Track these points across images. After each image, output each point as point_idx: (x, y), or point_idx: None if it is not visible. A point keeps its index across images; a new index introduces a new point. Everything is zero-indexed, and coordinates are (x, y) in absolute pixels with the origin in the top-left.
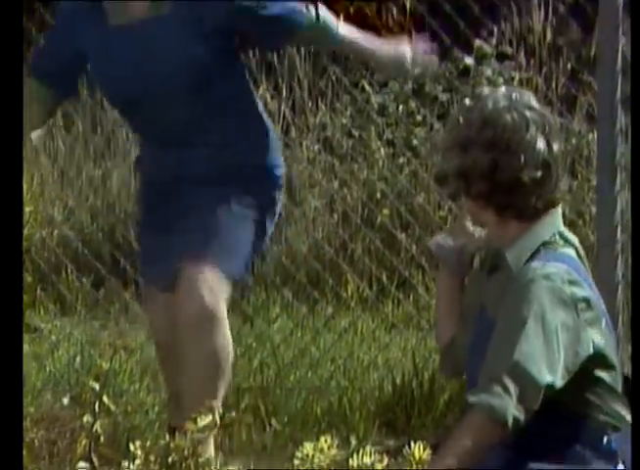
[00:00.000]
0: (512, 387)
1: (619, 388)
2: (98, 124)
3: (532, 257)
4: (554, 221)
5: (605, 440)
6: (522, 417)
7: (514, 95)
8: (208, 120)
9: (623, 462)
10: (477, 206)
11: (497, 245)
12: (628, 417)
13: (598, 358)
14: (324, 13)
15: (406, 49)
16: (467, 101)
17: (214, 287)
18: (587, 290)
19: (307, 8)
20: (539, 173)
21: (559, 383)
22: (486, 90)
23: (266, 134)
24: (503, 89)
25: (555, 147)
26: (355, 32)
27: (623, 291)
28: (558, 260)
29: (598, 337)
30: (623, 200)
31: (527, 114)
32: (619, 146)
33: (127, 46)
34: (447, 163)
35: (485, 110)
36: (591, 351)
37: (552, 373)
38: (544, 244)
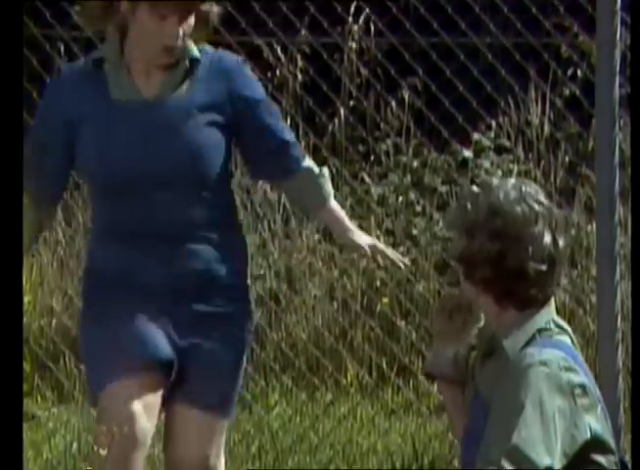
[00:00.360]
0: None
1: None
2: None
3: (528, 343)
4: (549, 310)
5: None
6: None
7: (523, 188)
8: (200, 222)
9: None
10: (477, 290)
11: (493, 329)
12: None
13: (595, 443)
14: (325, 172)
15: (366, 243)
16: (474, 188)
17: (220, 444)
18: (583, 376)
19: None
20: (544, 267)
21: (557, 467)
22: (495, 180)
23: (246, 251)
24: (512, 181)
25: (560, 242)
26: (339, 209)
27: (624, 379)
28: (554, 347)
29: (594, 422)
30: (623, 289)
31: (537, 207)
32: (618, 238)
33: (133, 124)
34: (452, 245)
35: (495, 199)
36: (588, 435)
37: (550, 457)
38: (539, 330)
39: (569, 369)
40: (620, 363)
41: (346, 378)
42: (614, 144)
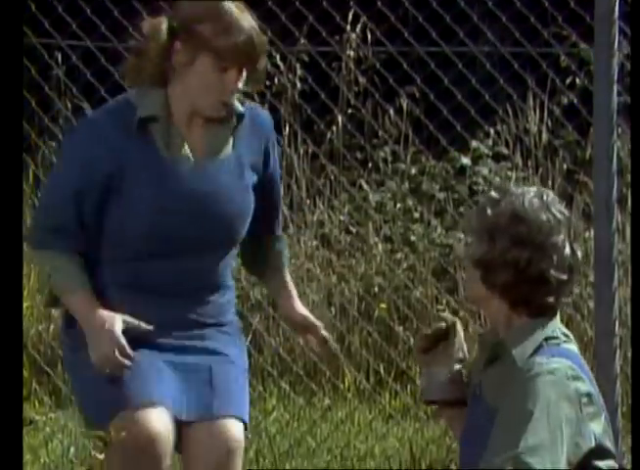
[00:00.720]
0: None
1: None
2: None
3: (536, 350)
4: (556, 318)
5: None
6: None
7: (545, 196)
8: (221, 277)
9: None
10: (491, 294)
11: (499, 334)
12: None
13: (598, 450)
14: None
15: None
16: (494, 193)
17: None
18: (589, 385)
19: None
20: (565, 276)
21: None
22: (514, 187)
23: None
24: (534, 188)
25: (578, 253)
26: (290, 283)
27: (622, 384)
28: (561, 356)
29: (599, 430)
30: (620, 295)
31: (559, 216)
32: (616, 244)
33: (182, 186)
34: (470, 249)
35: (519, 205)
36: (593, 444)
37: (554, 466)
38: (547, 339)
39: (576, 378)
40: (618, 368)
41: (344, 383)
42: (611, 152)
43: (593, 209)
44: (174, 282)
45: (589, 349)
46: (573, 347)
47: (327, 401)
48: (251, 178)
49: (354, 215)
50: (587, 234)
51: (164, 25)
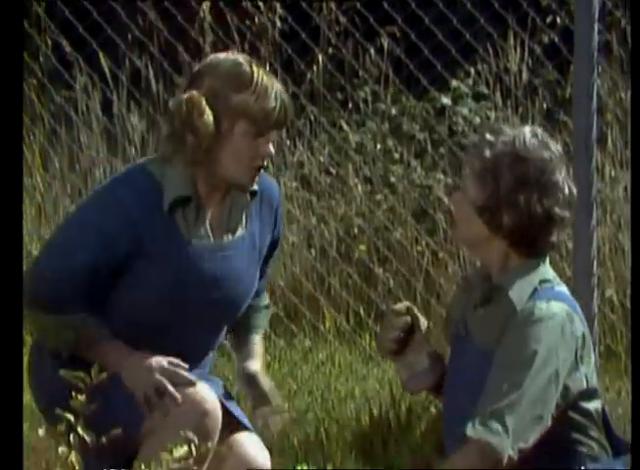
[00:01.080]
0: (511, 425)
1: (600, 418)
2: (75, 162)
3: (532, 293)
4: (546, 260)
5: (582, 469)
6: (516, 456)
7: (540, 134)
8: (219, 338)
9: None
10: (494, 236)
11: (492, 274)
12: (607, 448)
13: (586, 392)
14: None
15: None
16: (487, 135)
17: None
18: (582, 325)
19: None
20: (568, 213)
21: (550, 420)
22: (506, 127)
23: None
24: (528, 128)
25: (574, 191)
26: (259, 355)
27: (600, 323)
28: (558, 299)
29: (590, 371)
30: (599, 235)
31: (557, 153)
32: (595, 183)
33: (202, 266)
34: (471, 193)
35: (520, 145)
36: (584, 386)
37: (548, 413)
38: (541, 282)
39: (572, 321)
40: (596, 308)
41: (324, 325)
42: (591, 90)
43: (572, 148)
44: (175, 352)
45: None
46: (565, 288)
47: (307, 343)
48: (261, 252)
49: (334, 156)
50: None
51: (204, 101)
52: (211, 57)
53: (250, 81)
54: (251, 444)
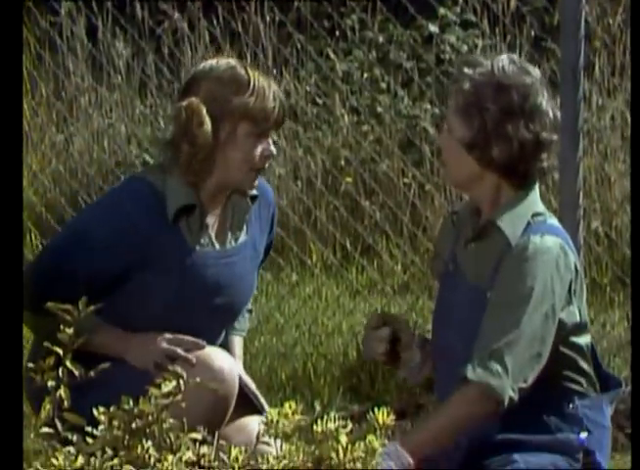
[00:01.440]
0: (511, 366)
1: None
2: (61, 89)
3: (525, 228)
4: (536, 193)
5: (571, 405)
6: (516, 396)
7: (516, 60)
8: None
9: (589, 430)
10: (485, 172)
11: (483, 209)
12: (596, 384)
13: (578, 326)
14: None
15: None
16: (465, 69)
17: None
18: (575, 259)
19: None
20: (555, 136)
21: (546, 357)
22: (479, 57)
23: None
24: (504, 55)
25: (558, 114)
26: (240, 357)
27: (585, 255)
28: (551, 233)
29: (582, 305)
30: (585, 165)
31: (538, 76)
32: (582, 112)
33: (206, 273)
34: (458, 131)
35: (500, 74)
36: (577, 320)
37: (546, 349)
38: (533, 215)
39: (566, 254)
40: (582, 239)
41: (311, 258)
42: (579, 17)
43: (559, 75)
44: None
45: None
46: (556, 221)
47: (294, 277)
48: (260, 255)
49: (321, 86)
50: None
51: (204, 108)
52: (203, 64)
53: (248, 83)
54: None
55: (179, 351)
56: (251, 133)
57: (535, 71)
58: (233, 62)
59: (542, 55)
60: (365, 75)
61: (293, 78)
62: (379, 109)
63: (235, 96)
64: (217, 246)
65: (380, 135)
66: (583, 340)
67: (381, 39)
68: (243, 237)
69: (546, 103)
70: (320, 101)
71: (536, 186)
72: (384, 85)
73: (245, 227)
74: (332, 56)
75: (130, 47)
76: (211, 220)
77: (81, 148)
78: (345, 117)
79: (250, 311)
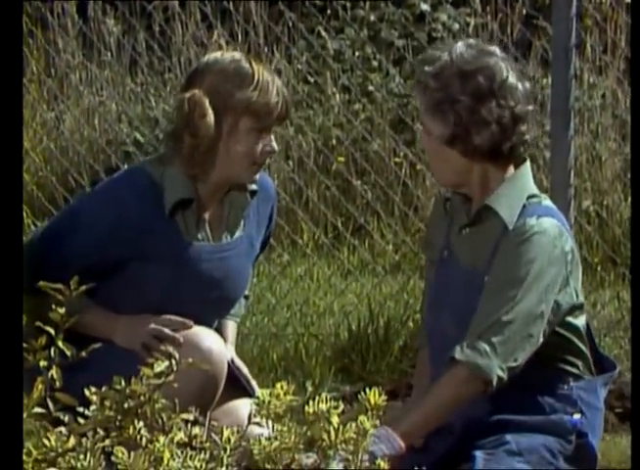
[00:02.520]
0: (500, 345)
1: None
2: (51, 67)
3: (521, 211)
4: (529, 174)
5: (565, 387)
6: (505, 377)
7: (474, 43)
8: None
9: (582, 412)
10: (473, 162)
11: (474, 195)
12: (592, 366)
13: (575, 307)
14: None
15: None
16: (425, 68)
17: None
18: (571, 240)
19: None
20: (531, 106)
21: (541, 340)
22: (437, 50)
23: None
24: (460, 42)
25: (527, 84)
26: (232, 342)
27: (576, 235)
28: (547, 214)
29: (578, 286)
30: (577, 144)
31: (499, 54)
32: (573, 90)
33: (203, 267)
34: (436, 130)
35: (460, 62)
36: (574, 300)
37: (540, 331)
38: (528, 197)
39: (562, 235)
40: (573, 219)
41: (302, 238)
42: None
43: (551, 54)
44: None
45: None
46: (551, 203)
47: (286, 257)
48: (256, 254)
49: (312, 64)
50: (545, 81)
51: (206, 100)
52: (208, 56)
53: (252, 77)
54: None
55: (166, 330)
56: (253, 128)
57: (495, 49)
58: (238, 55)
59: (534, 33)
60: (357, 54)
61: (284, 57)
62: (370, 87)
63: (238, 90)
64: (213, 240)
65: (371, 114)
66: (580, 321)
67: (372, 17)
68: (239, 232)
69: (513, 77)
70: (311, 79)
71: (528, 168)
72: (375, 64)
73: (242, 223)
74: (323, 34)
75: (121, 24)
76: (208, 215)
77: (72, 126)
78: (337, 95)
79: (246, 298)
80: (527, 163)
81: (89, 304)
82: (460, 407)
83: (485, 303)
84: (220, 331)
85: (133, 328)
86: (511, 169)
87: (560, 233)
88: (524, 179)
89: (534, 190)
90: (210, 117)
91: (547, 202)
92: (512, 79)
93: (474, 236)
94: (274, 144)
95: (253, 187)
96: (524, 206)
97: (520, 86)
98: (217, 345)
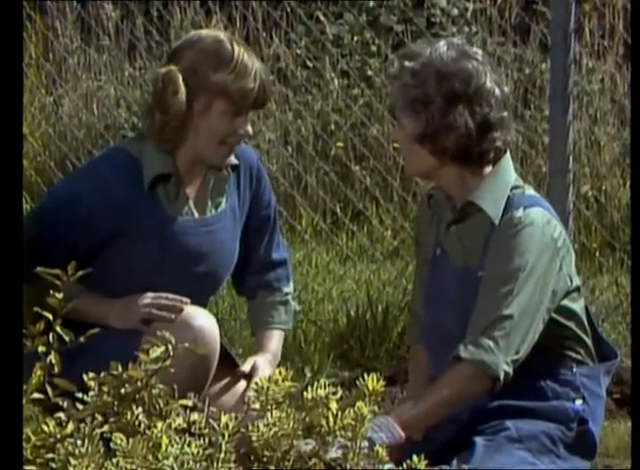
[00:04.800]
0: (503, 341)
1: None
2: (49, 51)
3: (507, 204)
4: (510, 166)
5: (568, 372)
6: (511, 371)
7: (456, 44)
8: None
9: (585, 398)
10: (442, 163)
11: (454, 195)
12: (593, 353)
13: (570, 291)
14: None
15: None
16: (405, 62)
17: None
18: (559, 226)
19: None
20: (505, 112)
21: (541, 328)
22: (417, 47)
23: None
24: (442, 41)
25: (505, 89)
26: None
27: (575, 220)
28: (533, 204)
29: (572, 270)
30: (575, 129)
31: (480, 58)
32: (572, 75)
33: (184, 242)
34: (408, 127)
35: (439, 63)
36: (569, 285)
37: (538, 321)
38: (511, 189)
39: (550, 223)
40: (571, 204)
41: (301, 224)
42: None
43: (550, 38)
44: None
45: (543, 185)
46: (533, 191)
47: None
48: (241, 223)
49: (311, 49)
50: (544, 66)
51: (180, 77)
52: (193, 33)
53: (229, 59)
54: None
55: (155, 311)
56: (227, 111)
57: (476, 52)
58: (222, 36)
59: (532, 18)
60: (355, 39)
61: (283, 42)
62: (369, 72)
63: (214, 72)
64: (197, 214)
65: (370, 99)
66: (577, 305)
67: (371, 3)
68: (223, 205)
69: (490, 82)
70: (310, 64)
71: (509, 159)
72: (374, 49)
73: (225, 196)
74: (322, 19)
75: (119, 9)
76: (191, 189)
77: (70, 111)
78: (336, 80)
79: (284, 303)
80: (507, 154)
81: (82, 289)
82: (465, 403)
83: (484, 299)
84: (263, 341)
85: (127, 307)
86: (488, 168)
87: (547, 221)
88: (505, 172)
89: (516, 181)
90: (182, 94)
91: (530, 191)
92: (489, 84)
93: (462, 232)
94: (249, 128)
95: (233, 161)
96: (508, 198)
97: (496, 92)
98: (209, 323)
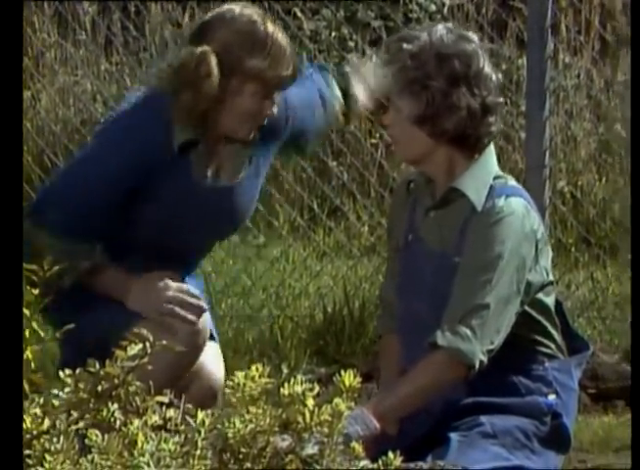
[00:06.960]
0: (479, 329)
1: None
2: (27, 45)
3: (489, 192)
4: (493, 156)
5: (539, 367)
6: (486, 360)
7: (452, 28)
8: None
9: (557, 393)
10: (438, 145)
11: (439, 180)
12: (563, 347)
13: (544, 285)
14: None
15: None
16: (403, 44)
17: None
18: (538, 218)
19: None
20: (501, 98)
21: (514, 319)
22: (415, 31)
23: None
24: (440, 25)
25: (499, 75)
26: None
27: (551, 216)
28: (514, 194)
29: (548, 264)
30: (552, 125)
31: (477, 41)
32: (548, 71)
33: (213, 205)
34: (406, 108)
35: (438, 44)
36: (545, 277)
37: (513, 312)
38: (494, 179)
39: (529, 214)
40: (547, 200)
41: (278, 220)
42: None
43: (526, 34)
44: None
45: (519, 181)
46: (515, 182)
47: (261, 239)
48: (262, 180)
49: None
50: (520, 61)
51: (214, 60)
52: (224, 8)
53: (264, 44)
54: (209, 354)
55: (186, 298)
56: (258, 93)
57: (474, 37)
58: (255, 16)
59: (509, 14)
60: (333, 34)
61: None
62: (347, 68)
63: (249, 57)
64: (221, 180)
65: None
66: (550, 299)
67: None
68: (247, 168)
69: (488, 67)
70: None
71: (492, 150)
72: (352, 44)
73: (249, 160)
74: (299, 15)
75: (96, 4)
76: (217, 155)
77: (47, 106)
78: None
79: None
80: (492, 145)
81: (105, 264)
82: (439, 392)
83: (461, 287)
84: None
85: (147, 294)
86: (476, 156)
87: (527, 212)
88: (489, 162)
89: (499, 171)
90: (216, 77)
91: (512, 182)
92: (487, 69)
93: (441, 218)
94: (275, 109)
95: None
96: (491, 186)
97: (493, 77)
98: (202, 325)
